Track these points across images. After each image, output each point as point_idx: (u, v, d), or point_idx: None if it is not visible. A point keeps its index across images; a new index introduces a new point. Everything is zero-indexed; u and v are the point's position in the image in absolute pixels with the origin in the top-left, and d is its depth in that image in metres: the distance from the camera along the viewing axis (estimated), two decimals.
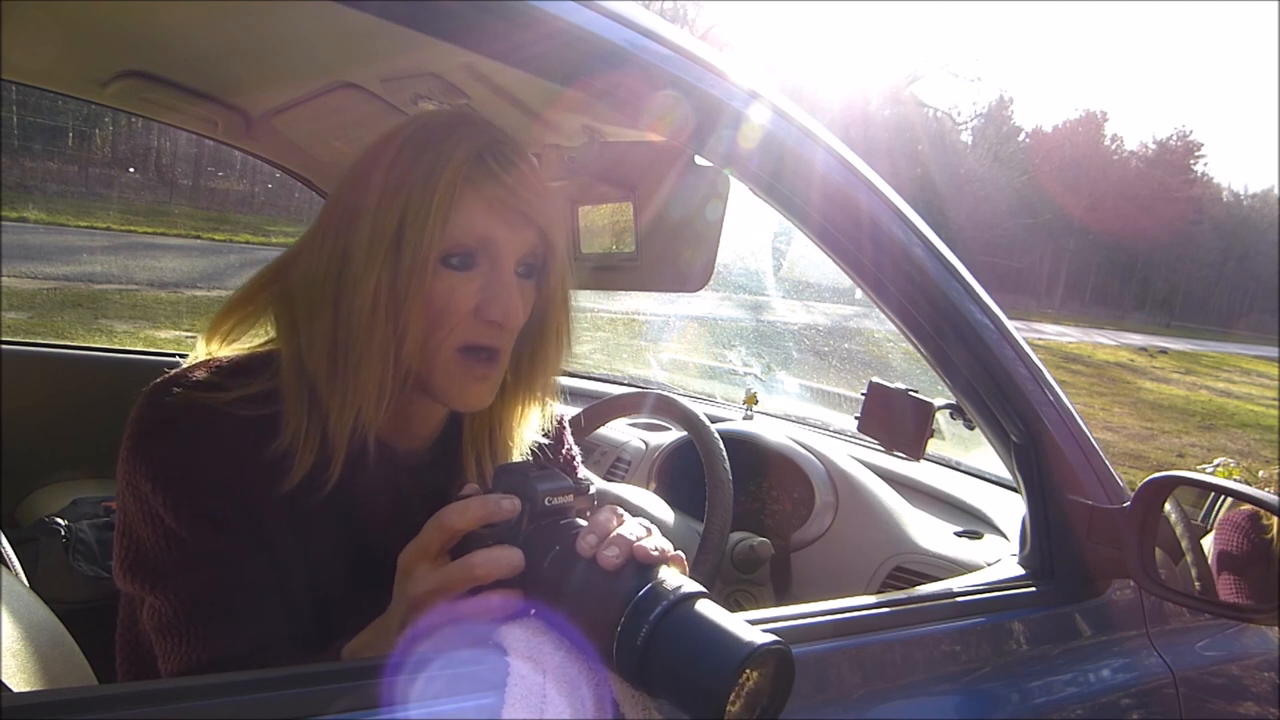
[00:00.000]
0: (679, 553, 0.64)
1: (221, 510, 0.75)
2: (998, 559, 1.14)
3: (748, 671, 0.55)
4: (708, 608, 0.58)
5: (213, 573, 0.74)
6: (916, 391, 1.20)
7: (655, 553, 0.61)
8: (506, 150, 0.78)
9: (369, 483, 0.82)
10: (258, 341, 0.85)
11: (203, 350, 0.84)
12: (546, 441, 0.96)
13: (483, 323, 0.78)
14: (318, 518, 0.79)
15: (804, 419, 1.93)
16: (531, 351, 0.86)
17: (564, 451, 1.05)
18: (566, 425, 1.07)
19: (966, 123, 42.52)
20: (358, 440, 0.77)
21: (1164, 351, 21.12)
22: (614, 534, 0.62)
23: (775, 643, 0.55)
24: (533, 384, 0.88)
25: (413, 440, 0.87)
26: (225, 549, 0.75)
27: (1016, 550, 1.11)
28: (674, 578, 0.60)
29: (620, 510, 0.65)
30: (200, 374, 0.80)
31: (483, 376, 0.80)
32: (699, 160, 0.93)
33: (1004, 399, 0.99)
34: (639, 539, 0.61)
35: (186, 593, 0.74)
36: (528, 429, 0.91)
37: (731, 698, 0.54)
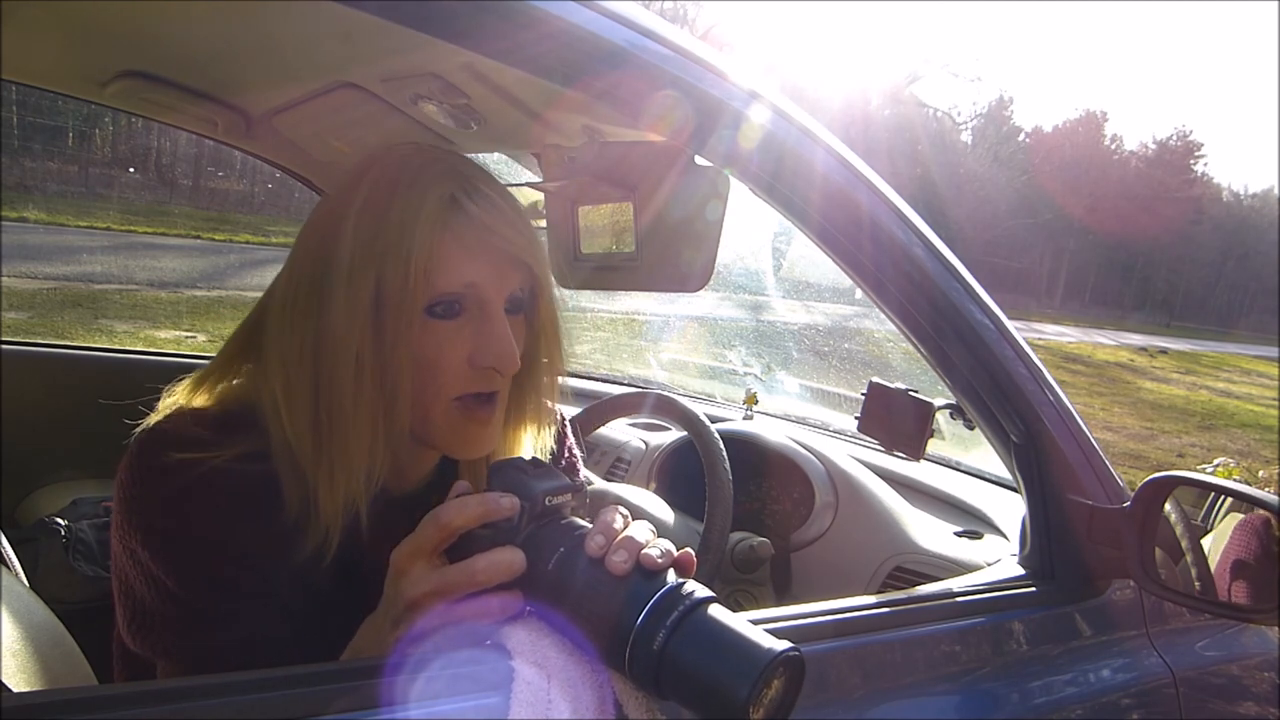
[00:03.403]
0: (687, 549, 0.64)
1: (222, 571, 0.72)
2: (998, 559, 1.14)
3: (775, 683, 0.56)
4: (721, 613, 0.58)
5: (221, 634, 0.72)
6: (916, 391, 1.20)
7: (662, 557, 0.60)
8: (480, 186, 0.75)
9: (367, 529, 0.79)
10: (239, 381, 0.81)
11: (183, 397, 0.80)
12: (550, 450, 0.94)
13: (477, 370, 0.75)
14: (318, 567, 0.76)
15: (804, 419, 1.93)
16: (525, 383, 0.84)
17: (567, 453, 1.04)
18: (568, 425, 1.06)
19: (966, 123, 42.58)
20: (350, 511, 0.74)
21: (1164, 351, 21.12)
22: (622, 536, 0.61)
23: (792, 649, 0.56)
24: (524, 415, 0.86)
25: (407, 483, 0.85)
26: (230, 610, 0.72)
27: (1016, 550, 1.11)
28: (684, 582, 0.60)
29: (624, 511, 0.65)
30: (185, 429, 0.75)
31: (484, 422, 0.78)
32: (699, 160, 0.93)
33: (1004, 399, 0.99)
34: (647, 542, 0.61)
35: (196, 656, 0.72)
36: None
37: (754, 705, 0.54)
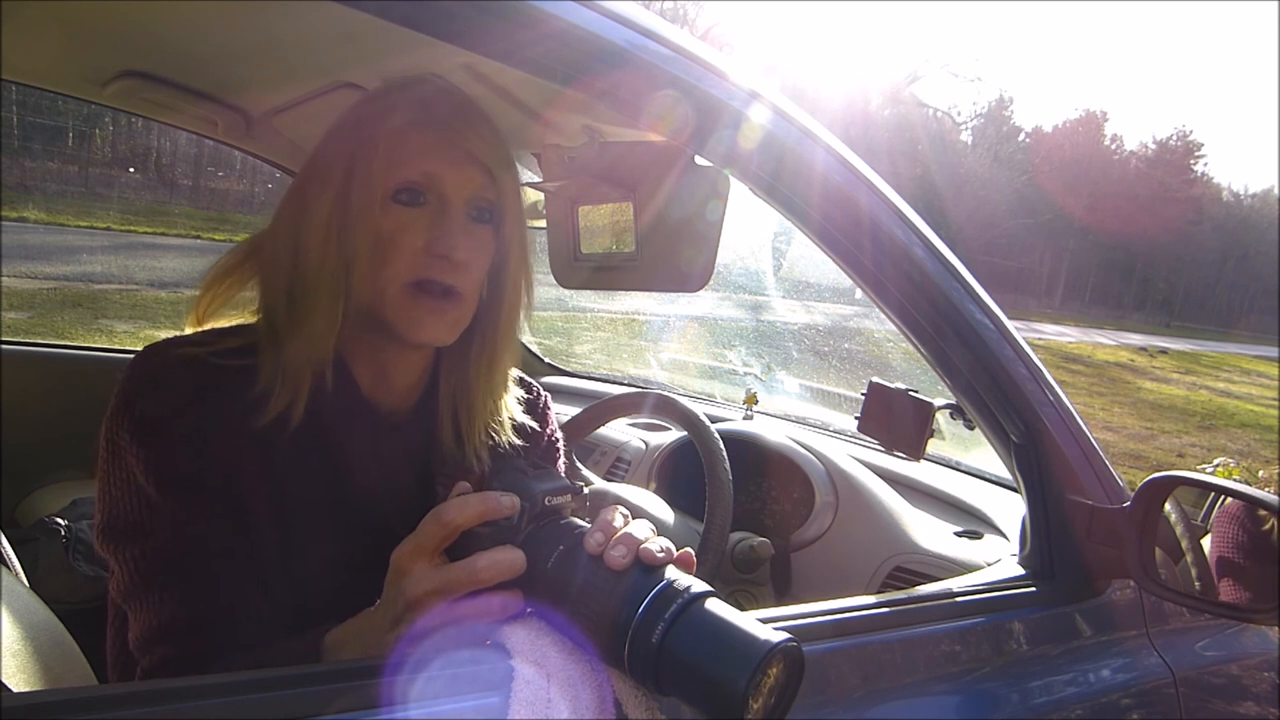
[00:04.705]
0: (687, 549, 0.64)
1: (196, 472, 0.76)
2: (998, 559, 1.14)
3: (772, 671, 0.56)
4: (719, 606, 0.58)
5: (177, 536, 0.75)
6: (916, 391, 1.20)
7: (661, 553, 0.61)
8: (452, 99, 0.83)
9: (353, 443, 0.84)
10: (246, 318, 0.88)
11: (190, 327, 0.87)
12: (530, 422, 0.97)
13: (432, 257, 0.80)
14: (301, 478, 0.80)
15: (804, 419, 1.93)
16: (492, 300, 0.88)
17: (547, 434, 1.05)
18: (551, 408, 1.07)
19: (966, 123, 42.57)
20: (317, 375, 0.79)
21: (1164, 351, 21.10)
22: (621, 533, 0.62)
23: (790, 640, 0.56)
24: (496, 334, 0.89)
25: (394, 396, 0.89)
26: (194, 513, 0.75)
27: (1016, 550, 1.11)
28: (683, 577, 0.60)
29: (624, 510, 0.65)
30: (187, 335, 0.84)
31: (436, 311, 0.82)
32: (699, 160, 0.93)
33: (1004, 399, 0.99)
34: (645, 538, 0.62)
35: (149, 553, 0.75)
36: (499, 384, 0.92)
37: (752, 697, 0.54)
